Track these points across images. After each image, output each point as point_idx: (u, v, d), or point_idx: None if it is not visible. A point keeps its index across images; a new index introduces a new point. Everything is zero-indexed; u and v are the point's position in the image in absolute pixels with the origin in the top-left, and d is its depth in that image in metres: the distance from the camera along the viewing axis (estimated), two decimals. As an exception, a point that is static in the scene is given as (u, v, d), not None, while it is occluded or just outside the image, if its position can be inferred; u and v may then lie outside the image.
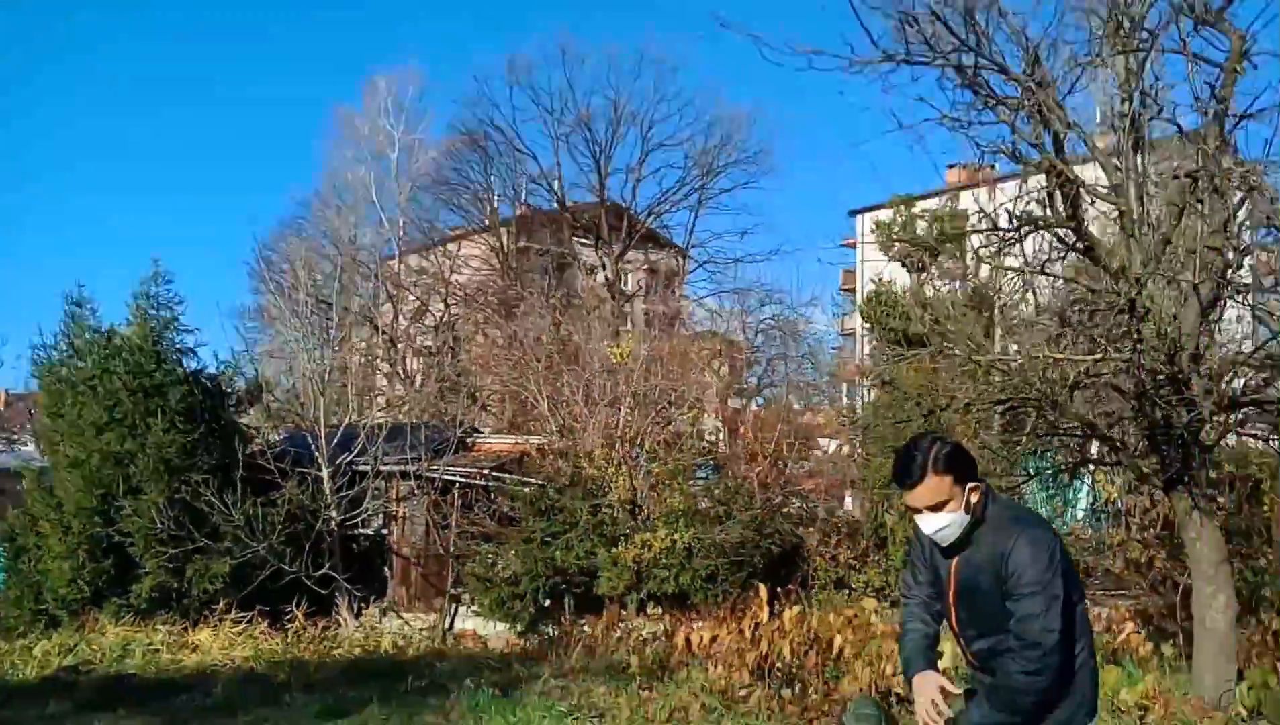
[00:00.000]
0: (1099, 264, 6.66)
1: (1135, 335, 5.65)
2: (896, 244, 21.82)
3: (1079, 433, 7.42)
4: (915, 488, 3.00)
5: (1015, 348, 6.39)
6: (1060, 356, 5.93)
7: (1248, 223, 6.61)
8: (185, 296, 14.66)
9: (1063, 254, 7.24)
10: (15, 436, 26.30)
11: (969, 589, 3.06)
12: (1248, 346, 7.20)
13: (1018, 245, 7.29)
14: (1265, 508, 10.14)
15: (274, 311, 19.42)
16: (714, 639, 7.30)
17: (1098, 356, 5.74)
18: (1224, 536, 6.54)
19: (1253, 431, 6.64)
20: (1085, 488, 14.71)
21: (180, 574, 12.41)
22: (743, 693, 6.82)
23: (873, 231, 23.32)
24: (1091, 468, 11.30)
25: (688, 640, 7.49)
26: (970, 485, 3.00)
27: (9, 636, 11.67)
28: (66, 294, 13.90)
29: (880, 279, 21.00)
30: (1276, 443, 7.03)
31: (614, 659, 8.35)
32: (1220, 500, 8.83)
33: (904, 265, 22.13)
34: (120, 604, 12.21)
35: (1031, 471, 14.65)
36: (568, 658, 8.40)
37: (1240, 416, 6.14)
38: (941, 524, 3.03)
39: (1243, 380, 6.18)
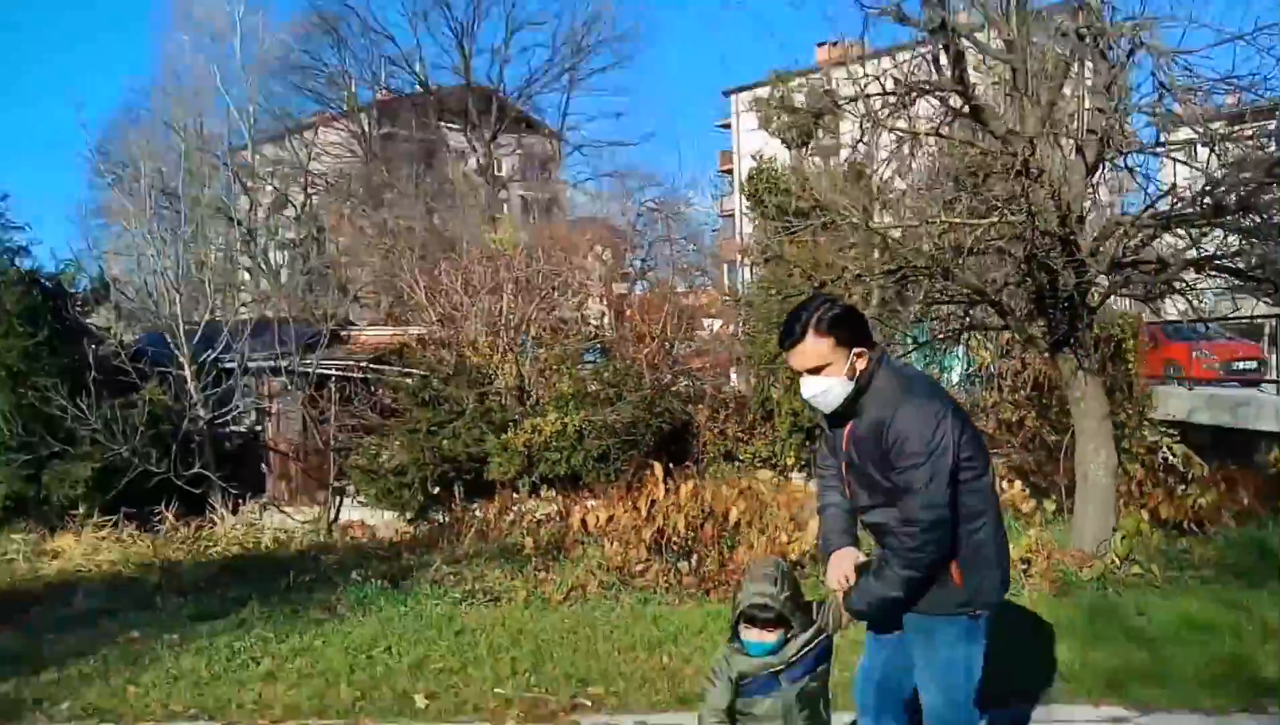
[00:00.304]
0: (987, 127, 6.59)
1: (1028, 198, 5.62)
2: (776, 119, 21.54)
3: (966, 299, 7.50)
4: (794, 348, 2.85)
5: (909, 214, 6.30)
6: (955, 220, 5.87)
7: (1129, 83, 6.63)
8: (12, 192, 13.34)
9: (950, 119, 7.15)
10: None
11: (856, 461, 2.91)
12: (1120, 211, 7.38)
13: (904, 111, 7.18)
14: (1128, 366, 10.65)
15: (117, 207, 17.92)
16: (610, 518, 7.22)
17: (993, 220, 5.70)
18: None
19: (1131, 292, 6.82)
20: (960, 354, 15.24)
21: (36, 481, 11.65)
22: (639, 568, 6.81)
23: (750, 108, 22.93)
24: (979, 333, 11.61)
25: (583, 521, 7.39)
26: (856, 351, 2.82)
27: None
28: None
29: (761, 156, 20.78)
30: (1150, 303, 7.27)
31: (508, 542, 8.24)
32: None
33: (784, 141, 21.92)
34: (-29, 516, 11.42)
35: (915, 341, 15.08)
36: (460, 544, 8.24)
37: (1123, 277, 6.27)
38: (818, 389, 2.87)
39: (1121, 243, 6.28)
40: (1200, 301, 7.59)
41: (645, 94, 68.15)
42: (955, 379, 15.70)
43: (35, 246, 13.09)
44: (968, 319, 8.14)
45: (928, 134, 6.35)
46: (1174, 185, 5.97)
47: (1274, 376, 15.78)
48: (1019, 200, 5.71)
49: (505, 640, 5.38)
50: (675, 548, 7.04)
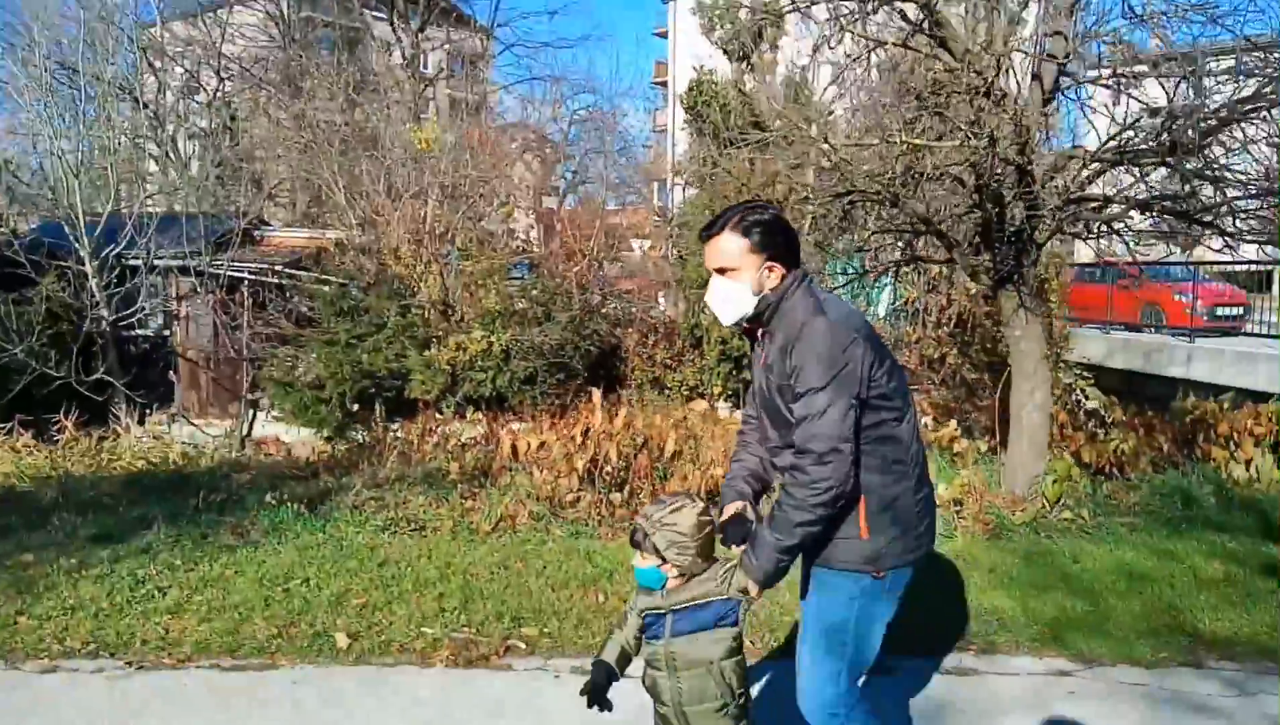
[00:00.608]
0: (946, 46, 6.32)
1: (987, 123, 5.41)
2: (720, 28, 20.94)
3: (910, 230, 7.35)
4: (710, 241, 2.65)
5: (857, 136, 6.03)
6: (918, 141, 5.64)
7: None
8: None
9: (910, 33, 6.87)
10: None
11: (765, 390, 2.66)
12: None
13: (865, 20, 6.87)
14: (1052, 303, 10.73)
15: (7, 79, 16.49)
16: (542, 445, 6.98)
17: (955, 143, 5.49)
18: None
19: (1074, 231, 6.74)
20: (888, 287, 15.27)
21: (-83, 380, 10.90)
22: (570, 498, 6.61)
23: (692, 12, 22.20)
24: (909, 267, 11.53)
25: (514, 447, 7.13)
26: (769, 264, 2.59)
27: None
28: None
29: (701, 68, 20.24)
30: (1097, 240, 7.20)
31: (432, 467, 7.93)
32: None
33: (725, 53, 21.37)
34: None
35: (846, 272, 15.03)
36: (382, 466, 7.89)
37: (1072, 214, 6.16)
38: (719, 294, 2.65)
39: (1076, 177, 6.16)
40: (1140, 243, 7.60)
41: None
42: (881, 312, 15.79)
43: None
44: (909, 251, 8.00)
45: (895, 44, 6.05)
46: (1143, 113, 5.82)
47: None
48: (979, 125, 5.50)
49: (432, 574, 5.15)
50: (608, 478, 6.86)
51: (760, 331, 2.70)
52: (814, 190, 7.60)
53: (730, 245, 2.61)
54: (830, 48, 6.38)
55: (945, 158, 5.86)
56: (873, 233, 7.55)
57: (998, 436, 6.90)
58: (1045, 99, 6.31)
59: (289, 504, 6.53)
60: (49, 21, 18.36)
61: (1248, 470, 7.42)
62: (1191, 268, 14.82)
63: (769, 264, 2.60)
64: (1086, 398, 10.97)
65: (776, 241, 2.61)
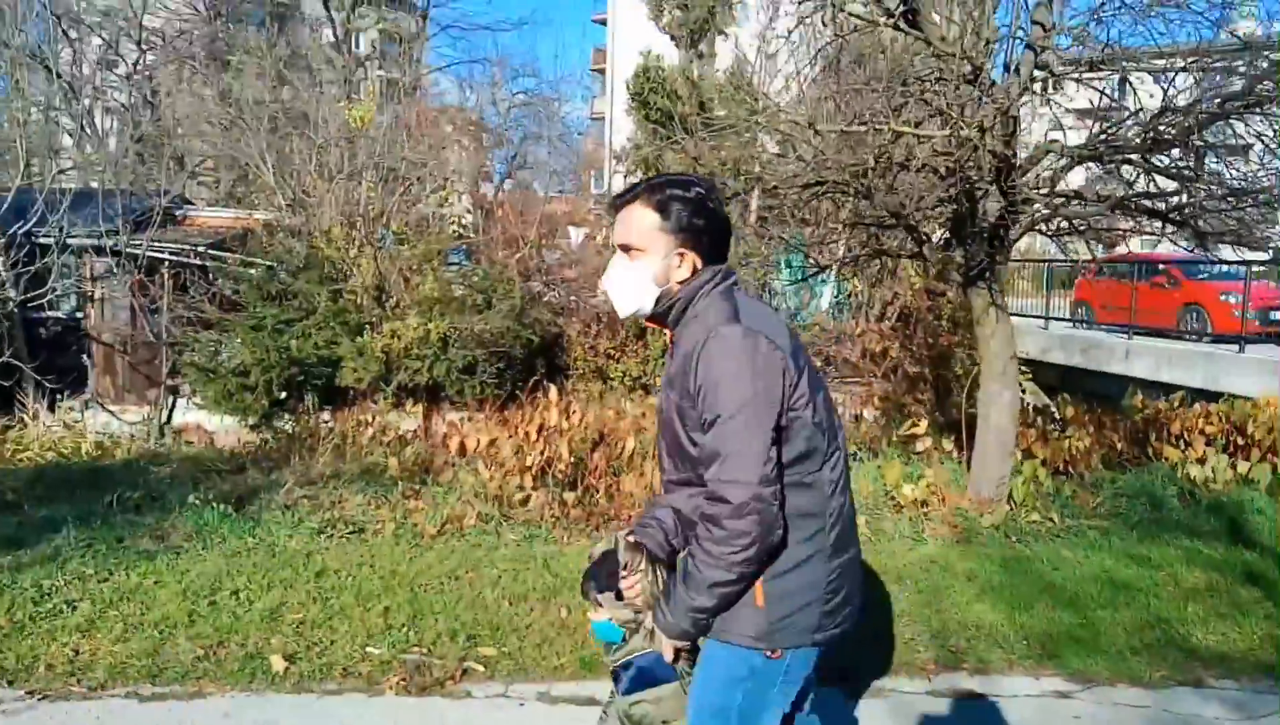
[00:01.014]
0: (920, 34, 6.08)
1: (983, 111, 5.18)
2: (668, 14, 20.58)
3: (876, 223, 7.11)
4: (619, 212, 2.20)
5: (850, 121, 5.75)
6: (906, 129, 5.38)
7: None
8: None
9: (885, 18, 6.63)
10: None
11: (664, 410, 2.18)
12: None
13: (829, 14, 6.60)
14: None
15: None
16: (493, 442, 6.57)
17: (946, 131, 5.23)
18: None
19: (1045, 231, 6.58)
20: (831, 280, 15.15)
21: None
22: (519, 498, 6.23)
23: (640, -1, 21.81)
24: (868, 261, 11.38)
25: (462, 444, 6.71)
26: (682, 250, 2.13)
27: None
28: None
29: (650, 54, 19.86)
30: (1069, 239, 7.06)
31: (370, 461, 7.46)
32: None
33: (674, 39, 21.02)
34: None
35: (792, 266, 14.85)
36: (315, 461, 7.39)
37: (1050, 209, 5.98)
38: (615, 276, 2.20)
39: (1053, 171, 5.98)
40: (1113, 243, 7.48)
41: (517, -22, 64.56)
42: (824, 305, 15.69)
43: None
44: (873, 245, 7.78)
45: (887, 24, 5.75)
46: (1121, 108, 5.66)
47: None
48: (966, 113, 5.26)
49: (375, 585, 4.72)
50: (560, 477, 6.49)
51: (669, 336, 2.22)
52: (781, 180, 7.32)
53: (640, 219, 2.15)
54: (800, 26, 6.09)
55: (929, 148, 5.61)
56: (851, 225, 7.30)
57: (963, 435, 6.72)
58: (1021, 90, 6.13)
59: (214, 504, 6.02)
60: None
61: (1202, 469, 7.39)
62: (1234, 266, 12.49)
63: (680, 251, 2.14)
64: (1024, 393, 10.96)
65: (695, 226, 2.13)
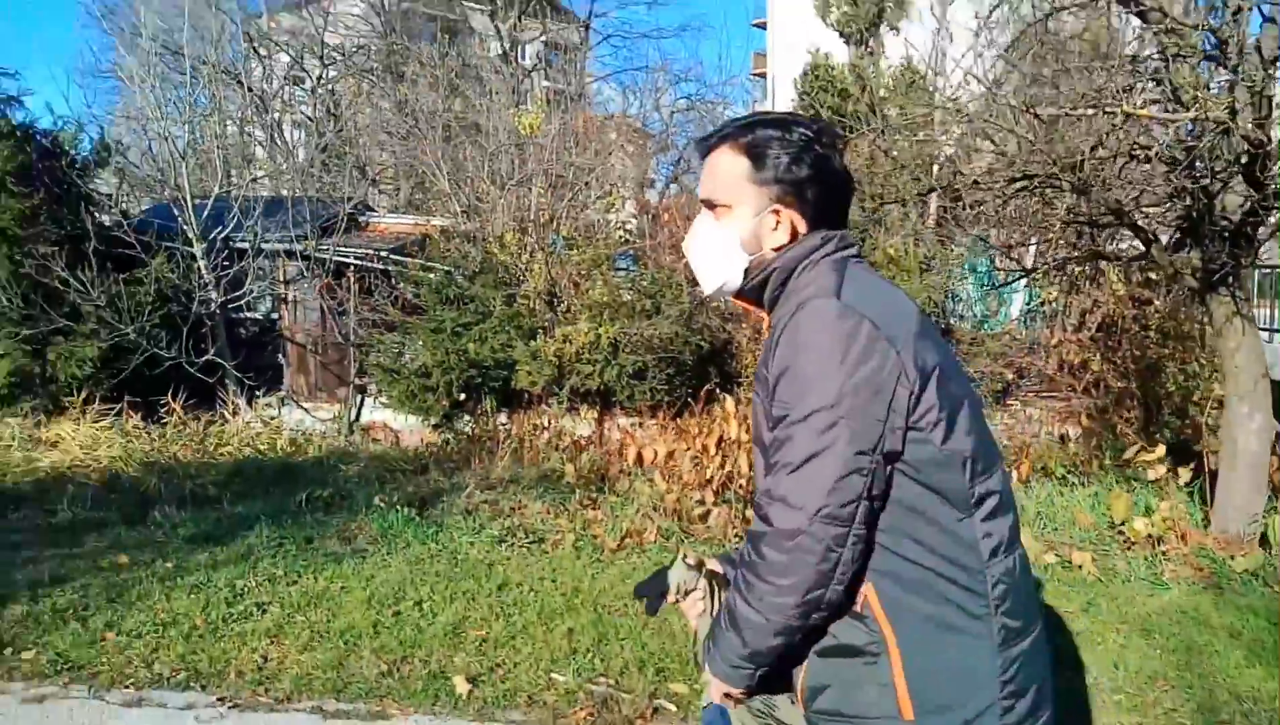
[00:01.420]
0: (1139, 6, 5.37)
1: (1228, 89, 4.50)
2: (836, 9, 19.92)
3: (1090, 222, 6.40)
4: (704, 159, 1.71)
5: (1070, 104, 5.12)
6: (1144, 112, 4.74)
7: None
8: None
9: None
10: None
11: (755, 404, 1.68)
12: None
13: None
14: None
15: (127, 69, 16.64)
16: (671, 455, 6.30)
17: (1190, 114, 4.57)
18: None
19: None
20: (1021, 287, 14.18)
21: (41, 357, 10.94)
22: (699, 512, 5.93)
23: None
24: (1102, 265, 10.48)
25: (639, 455, 6.47)
26: (777, 207, 1.64)
27: None
28: None
29: (816, 52, 19.26)
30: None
31: (546, 467, 7.36)
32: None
33: (842, 35, 20.33)
34: (-22, 389, 10.69)
35: (975, 270, 13.98)
36: (493, 465, 7.36)
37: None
38: (698, 241, 1.72)
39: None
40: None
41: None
42: (1014, 313, 14.69)
43: (30, 99, 12.06)
44: (1090, 247, 7.04)
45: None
46: None
47: None
48: (1204, 92, 4.57)
49: (558, 602, 4.52)
50: (741, 492, 6.15)
51: (765, 322, 1.73)
52: (979, 177, 6.72)
53: (725, 167, 1.66)
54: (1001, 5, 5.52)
55: (1162, 134, 4.94)
56: (1064, 225, 6.63)
57: (1206, 464, 5.92)
58: (1270, 65, 5.34)
59: (399, 507, 6.03)
60: (160, 10, 18.60)
61: None
62: None
63: (775, 207, 1.64)
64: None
65: (797, 176, 1.62)
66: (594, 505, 6.15)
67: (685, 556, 1.86)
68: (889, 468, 1.50)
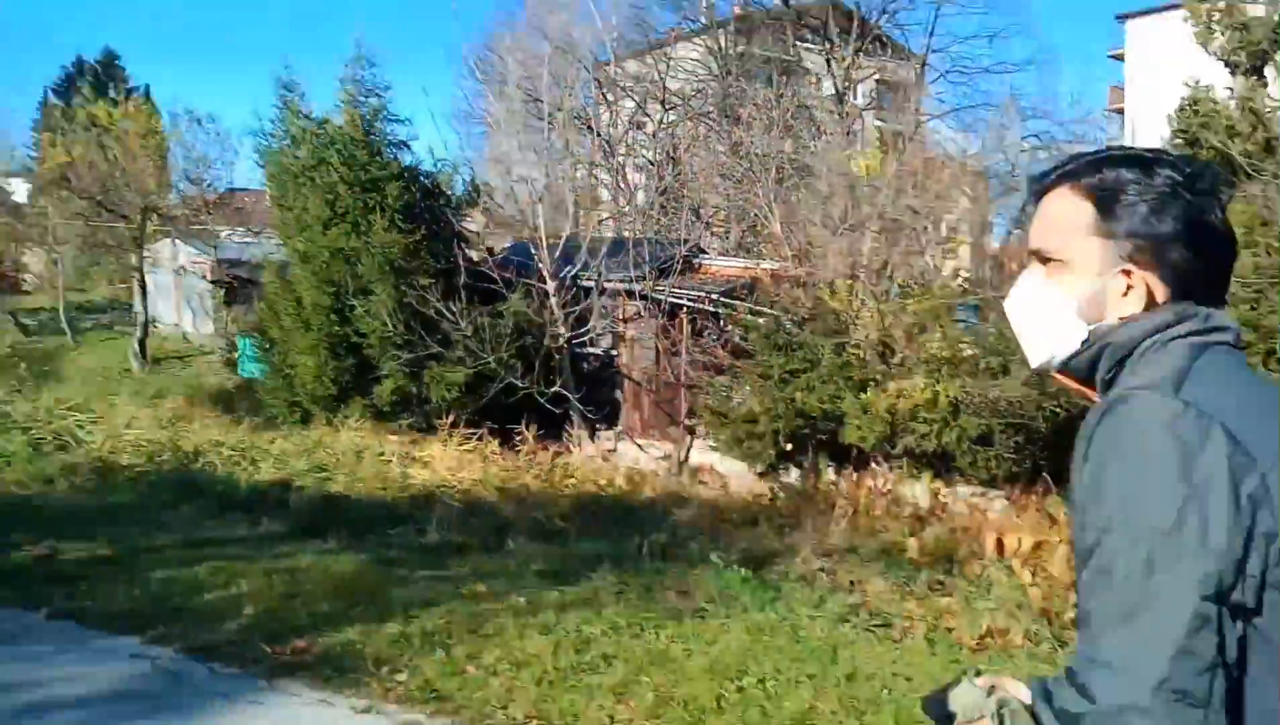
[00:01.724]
0: None
1: None
2: (1221, 35, 17.58)
3: None
4: (1038, 202, 1.31)
5: None
6: None
7: None
8: (393, 85, 13.92)
9: None
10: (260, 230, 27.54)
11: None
12: None
13: None
14: None
15: (493, 113, 18.39)
16: (1038, 546, 5.63)
17: None
18: None
19: None
20: None
21: (417, 379, 12.23)
22: (1071, 615, 5.20)
23: (1185, 19, 18.99)
24: None
25: (999, 542, 5.86)
26: (1128, 267, 1.22)
27: (270, 424, 12.10)
28: (277, 77, 13.31)
29: (1196, 83, 17.09)
30: None
31: (884, 539, 6.92)
32: None
33: (1228, 65, 17.91)
34: (365, 404, 12.18)
35: None
36: (827, 529, 7.04)
37: None
38: (1021, 302, 1.34)
39: None
40: None
41: (1024, 14, 60.74)
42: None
43: (412, 142, 13.56)
44: None
45: None
46: None
47: None
48: None
49: (915, 706, 4.09)
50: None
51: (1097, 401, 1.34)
52: None
53: (1061, 214, 1.29)
54: None
55: None
56: None
57: None
58: None
59: (735, 566, 5.89)
60: (523, 59, 20.41)
61: None
62: None
63: (1128, 267, 1.24)
64: None
65: (1158, 231, 1.22)
66: (944, 590, 5.62)
67: (974, 677, 1.50)
68: (1240, 628, 1.08)
